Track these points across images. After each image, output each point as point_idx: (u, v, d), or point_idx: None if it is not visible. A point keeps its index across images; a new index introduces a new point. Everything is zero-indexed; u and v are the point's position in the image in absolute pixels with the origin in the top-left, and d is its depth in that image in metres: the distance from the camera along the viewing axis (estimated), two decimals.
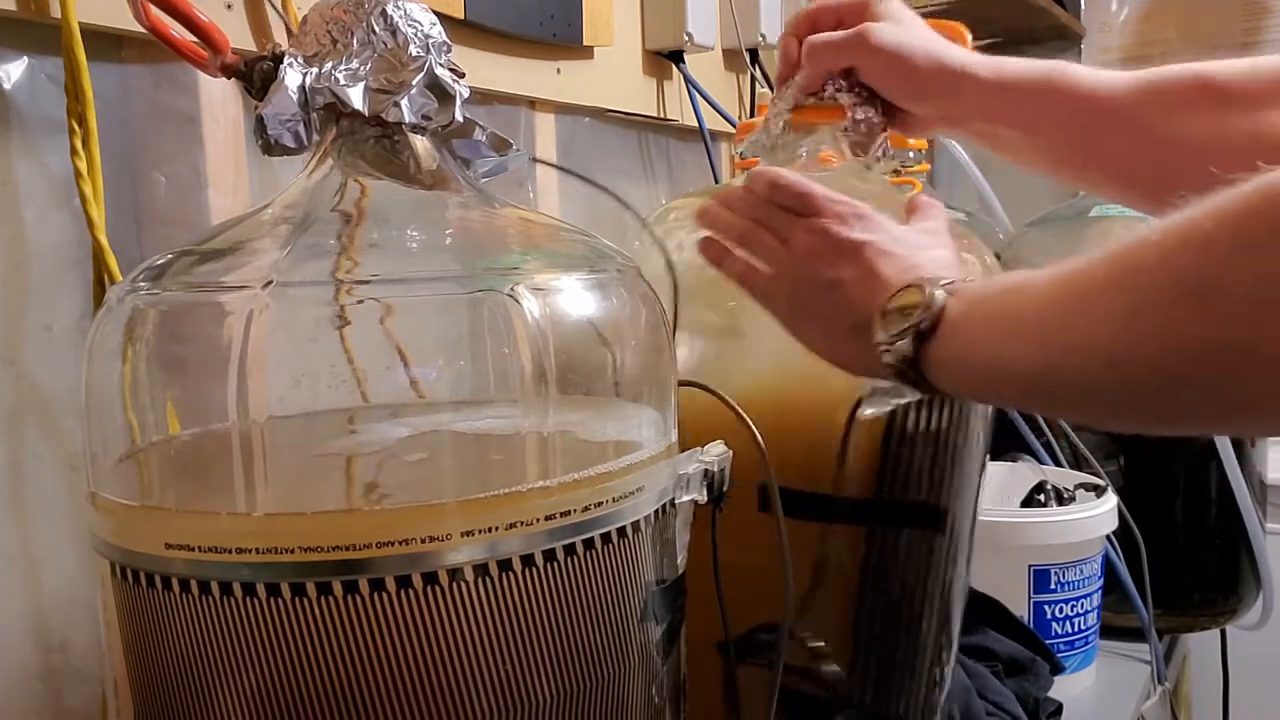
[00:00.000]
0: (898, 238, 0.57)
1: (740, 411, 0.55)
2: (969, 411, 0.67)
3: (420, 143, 0.49)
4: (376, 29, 0.48)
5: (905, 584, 0.67)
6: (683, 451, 0.51)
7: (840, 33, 0.64)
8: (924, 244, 0.57)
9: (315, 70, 0.48)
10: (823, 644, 0.64)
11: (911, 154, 1.16)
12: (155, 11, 0.54)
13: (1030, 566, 0.97)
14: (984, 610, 0.92)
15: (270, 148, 0.48)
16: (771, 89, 0.73)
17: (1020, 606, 0.97)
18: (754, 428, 0.55)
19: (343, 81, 0.48)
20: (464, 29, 0.86)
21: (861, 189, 0.65)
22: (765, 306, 0.60)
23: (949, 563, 0.70)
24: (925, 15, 0.66)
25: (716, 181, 1.23)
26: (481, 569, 0.41)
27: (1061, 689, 0.94)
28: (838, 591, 0.66)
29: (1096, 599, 1.02)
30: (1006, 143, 0.65)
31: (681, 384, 0.54)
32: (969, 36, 0.71)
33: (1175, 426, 0.45)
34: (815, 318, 0.58)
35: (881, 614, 0.67)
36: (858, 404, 0.62)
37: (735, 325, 0.66)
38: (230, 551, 0.40)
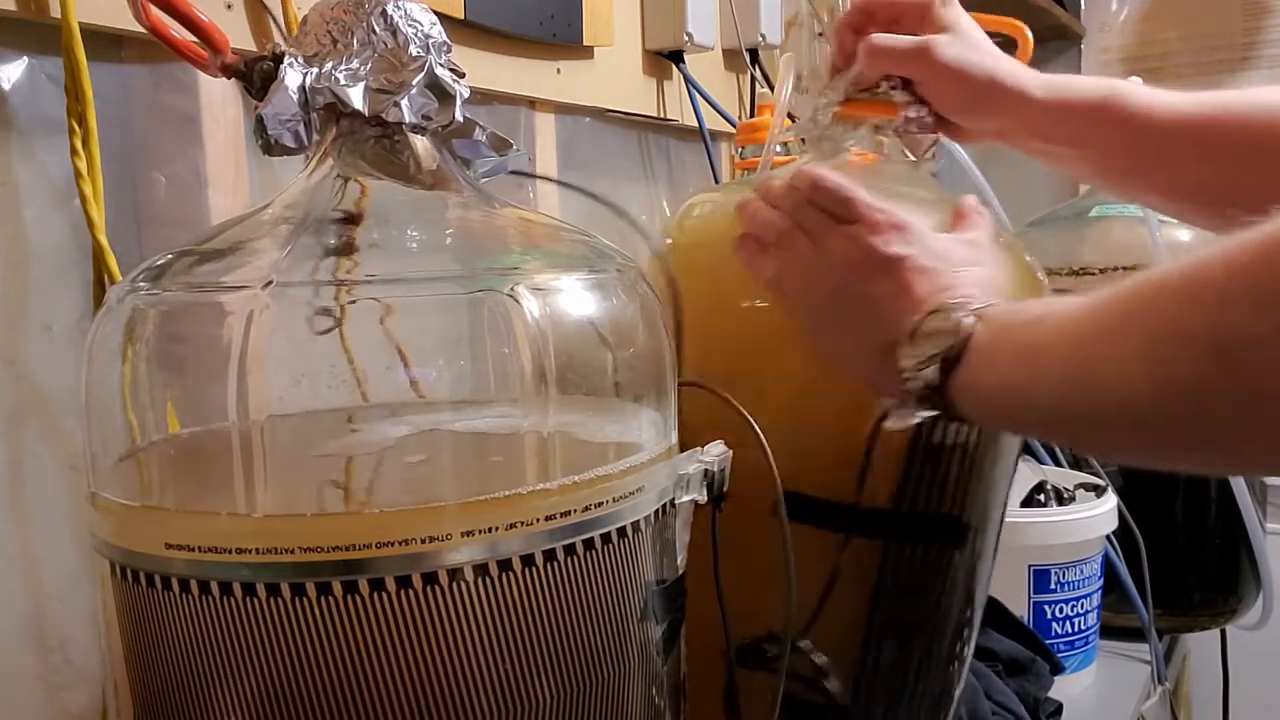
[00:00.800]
0: (937, 253, 0.55)
1: (744, 413, 0.55)
2: None
3: (420, 143, 0.49)
4: (376, 29, 0.48)
5: (921, 598, 0.66)
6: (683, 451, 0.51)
7: (903, 40, 0.63)
8: (964, 260, 0.56)
9: (315, 70, 0.48)
10: (825, 659, 0.63)
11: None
12: (155, 11, 0.54)
13: (1030, 566, 0.97)
14: (984, 610, 0.92)
15: (270, 148, 0.48)
16: (771, 90, 0.72)
17: (1020, 606, 0.97)
18: (758, 429, 0.54)
19: (343, 81, 0.48)
20: (464, 29, 0.86)
21: (907, 191, 0.64)
22: (792, 313, 0.59)
23: (969, 578, 0.68)
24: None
25: (716, 181, 1.23)
26: (481, 569, 0.41)
27: (1061, 689, 0.94)
28: (852, 603, 0.65)
29: (1096, 599, 1.02)
30: (1061, 159, 0.65)
31: (682, 384, 0.53)
32: (1028, 33, 0.70)
33: (1191, 467, 0.46)
34: (841, 331, 0.57)
35: (894, 627, 0.66)
36: (884, 414, 0.61)
37: (763, 324, 0.65)
38: (230, 551, 0.40)
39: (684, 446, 0.52)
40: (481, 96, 0.91)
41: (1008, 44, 0.68)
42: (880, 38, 0.63)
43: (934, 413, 0.53)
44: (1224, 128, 0.60)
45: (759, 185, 0.62)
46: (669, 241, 0.70)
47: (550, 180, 1.00)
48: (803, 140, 0.70)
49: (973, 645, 0.73)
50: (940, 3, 0.63)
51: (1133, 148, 0.62)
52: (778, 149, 0.76)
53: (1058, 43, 2.03)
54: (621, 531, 0.45)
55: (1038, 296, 0.63)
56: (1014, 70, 0.62)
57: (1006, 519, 0.95)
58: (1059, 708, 0.92)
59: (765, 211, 0.60)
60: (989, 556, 0.71)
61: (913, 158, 0.67)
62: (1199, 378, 0.40)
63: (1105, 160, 0.64)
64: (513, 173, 0.55)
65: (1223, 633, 1.34)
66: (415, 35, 0.49)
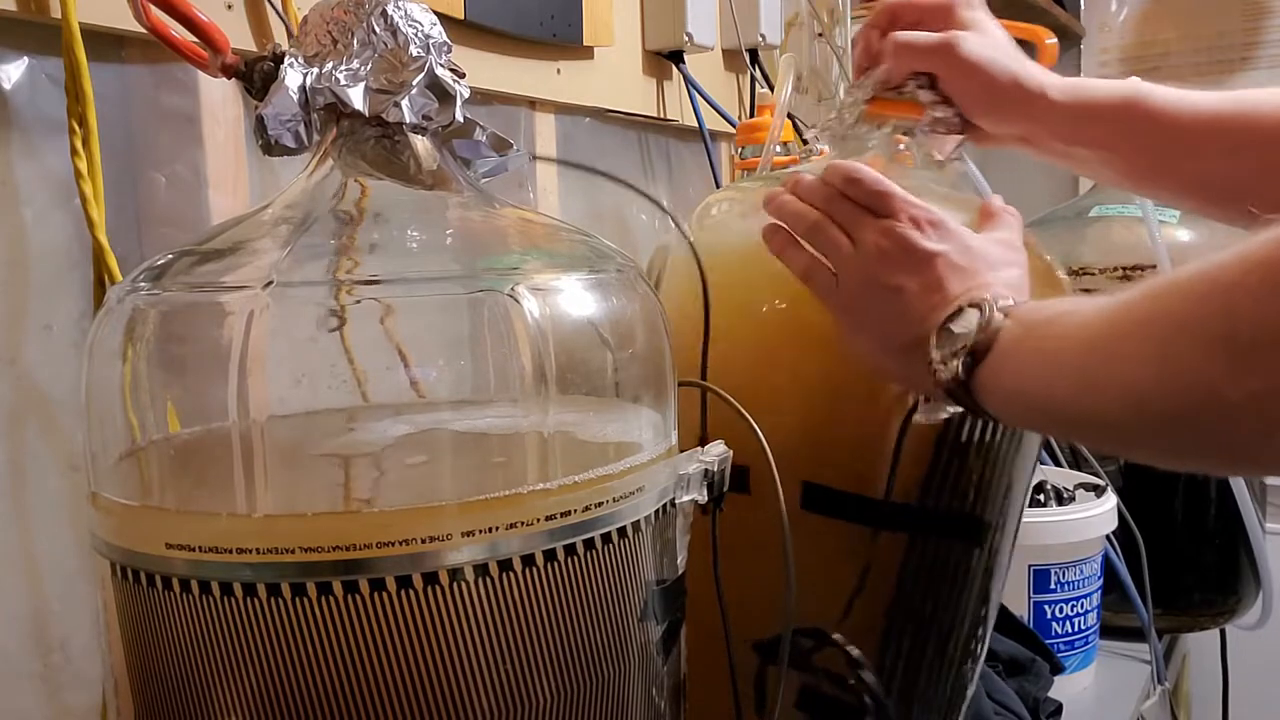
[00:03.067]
0: (971, 250, 0.56)
1: (742, 410, 0.55)
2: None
3: (420, 143, 0.49)
4: (377, 29, 0.48)
5: (940, 595, 0.66)
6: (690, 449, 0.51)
7: (928, 35, 0.63)
8: (996, 259, 0.56)
9: (315, 70, 0.48)
10: (858, 652, 0.63)
11: None
12: (155, 11, 0.54)
13: (1030, 566, 0.97)
14: None
15: (270, 148, 0.48)
16: (771, 90, 0.72)
17: (1020, 606, 0.97)
18: (756, 428, 0.54)
19: (343, 82, 0.48)
20: (464, 29, 0.86)
21: (934, 190, 0.64)
22: (824, 304, 0.59)
23: (986, 576, 0.68)
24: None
25: (716, 182, 1.23)
26: (481, 569, 0.41)
27: (1061, 689, 0.94)
28: (876, 599, 0.65)
29: (1096, 599, 1.02)
30: (1083, 162, 0.65)
31: (681, 384, 0.53)
32: (1051, 39, 0.70)
33: (1207, 469, 0.46)
34: (873, 324, 0.57)
35: (914, 623, 0.66)
36: (914, 408, 0.60)
37: (787, 323, 0.65)
38: (230, 551, 0.40)
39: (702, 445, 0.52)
40: (481, 96, 0.91)
41: (1029, 50, 0.68)
42: (905, 34, 0.63)
43: (960, 409, 0.54)
44: (1246, 123, 0.60)
45: (787, 179, 0.62)
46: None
47: (576, 166, 1.00)
48: (803, 141, 0.70)
49: (987, 644, 0.73)
50: (964, 4, 0.63)
51: (1156, 147, 0.62)
52: (777, 149, 0.76)
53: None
54: (621, 531, 0.45)
55: (1059, 295, 0.63)
56: (1035, 73, 0.62)
57: None
58: (1059, 708, 0.92)
59: (795, 204, 0.60)
60: (1006, 555, 0.71)
61: (939, 158, 0.67)
62: (1210, 375, 0.39)
63: (1129, 161, 0.64)
64: (547, 160, 0.55)
65: (1222, 633, 1.33)
66: (415, 35, 0.49)
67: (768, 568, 0.55)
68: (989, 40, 0.63)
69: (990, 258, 0.56)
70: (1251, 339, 0.38)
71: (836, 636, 0.63)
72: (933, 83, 0.64)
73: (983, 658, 0.73)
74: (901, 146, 0.67)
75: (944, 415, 0.58)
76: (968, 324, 0.52)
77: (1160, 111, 0.61)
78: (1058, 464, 1.11)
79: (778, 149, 0.87)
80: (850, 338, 0.59)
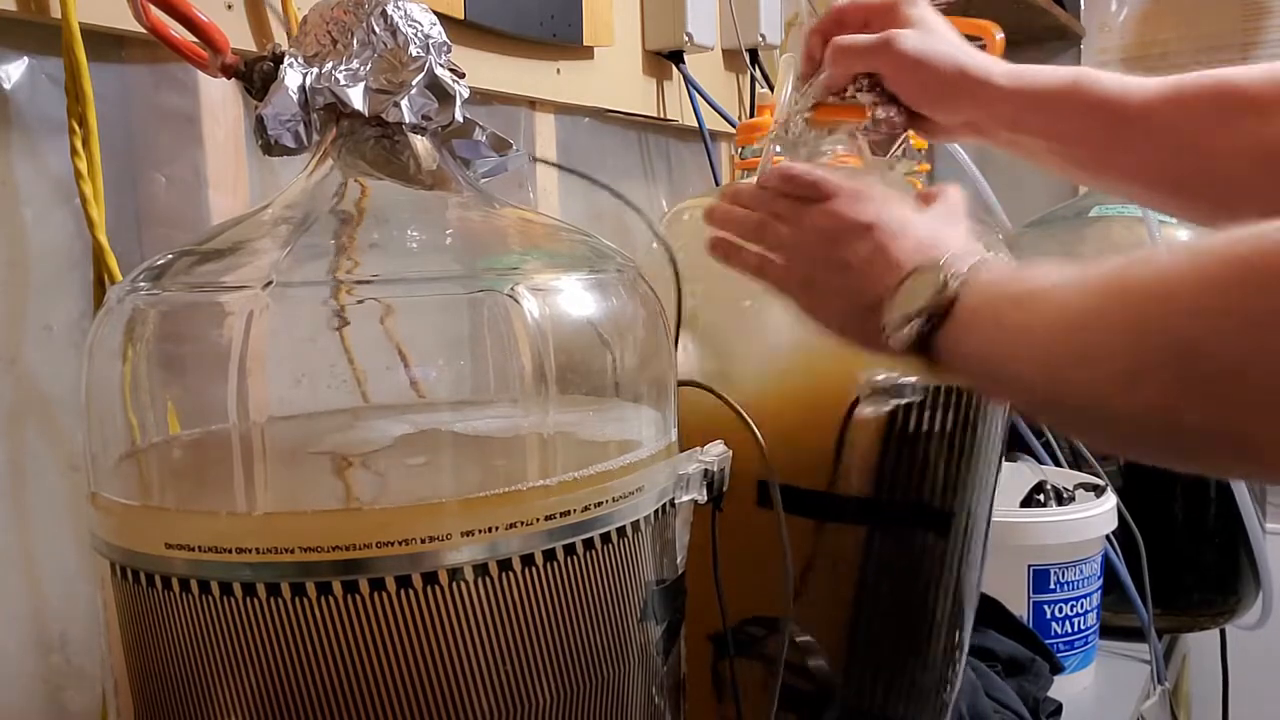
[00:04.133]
0: (909, 219, 0.57)
1: (739, 410, 0.55)
2: (978, 415, 0.67)
3: (420, 143, 0.49)
4: (376, 29, 0.48)
5: (908, 585, 0.67)
6: (684, 450, 0.51)
7: (866, 37, 0.63)
8: (938, 225, 0.57)
9: (315, 70, 0.48)
10: (810, 638, 0.64)
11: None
12: (155, 11, 0.54)
13: (1030, 566, 0.98)
14: (984, 610, 0.93)
15: (270, 148, 0.48)
16: (771, 90, 0.72)
17: (1020, 606, 0.97)
18: (753, 425, 0.55)
19: (343, 82, 0.48)
20: (464, 29, 0.86)
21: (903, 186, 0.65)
22: (781, 294, 0.60)
23: (958, 565, 0.69)
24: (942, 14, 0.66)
25: (716, 182, 1.23)
26: (481, 569, 0.41)
27: (1061, 689, 0.94)
28: (833, 589, 0.66)
29: (1096, 599, 1.02)
30: (1029, 149, 0.65)
31: (681, 384, 0.54)
32: (998, 34, 0.70)
33: (1167, 465, 0.47)
34: (829, 299, 0.59)
35: (881, 614, 0.67)
36: (855, 402, 0.62)
37: (742, 324, 0.66)
38: (230, 551, 0.40)
39: (683, 446, 0.52)
40: (481, 96, 0.91)
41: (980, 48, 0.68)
42: (844, 38, 0.64)
43: (916, 393, 0.55)
44: (1178, 104, 0.60)
45: (725, 192, 0.64)
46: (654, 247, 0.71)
47: (567, 169, 1.00)
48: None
49: (968, 636, 0.73)
50: (908, 2, 0.64)
51: (1099, 134, 0.62)
52: (777, 149, 0.76)
53: (1057, 43, 2.03)
54: (621, 531, 0.45)
55: None
56: (982, 61, 0.63)
57: (1006, 519, 0.96)
58: (1059, 708, 0.92)
59: (737, 211, 0.62)
60: (979, 544, 0.72)
61: (883, 158, 0.67)
62: (1167, 386, 0.41)
63: (1072, 147, 0.64)
64: (536, 160, 0.55)
65: (1222, 632, 1.34)
66: (415, 35, 0.49)
67: (727, 561, 0.55)
68: (930, 35, 0.63)
69: (929, 223, 0.57)
70: (1205, 359, 0.39)
71: (793, 630, 0.63)
72: (874, 85, 0.64)
73: (965, 650, 0.73)
74: (841, 149, 0.68)
75: (889, 407, 0.59)
76: (918, 289, 0.53)
77: (1102, 96, 0.61)
78: (1058, 464, 1.11)
79: (777, 149, 0.87)
80: (813, 318, 0.60)
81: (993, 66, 0.62)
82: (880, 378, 0.64)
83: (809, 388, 0.65)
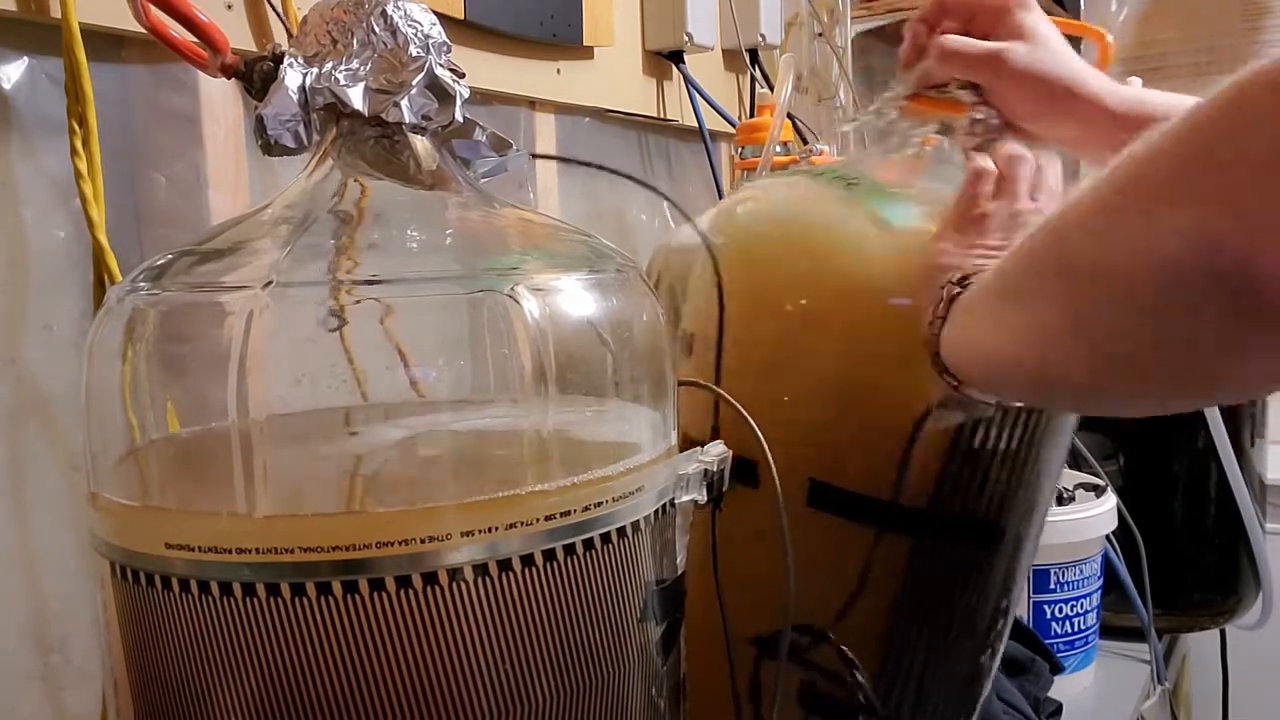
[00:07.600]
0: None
1: (740, 409, 0.55)
2: (1042, 434, 0.65)
3: (420, 143, 0.49)
4: (376, 29, 0.48)
5: (951, 599, 0.66)
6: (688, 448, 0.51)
7: (976, 44, 0.62)
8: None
9: (315, 70, 0.48)
10: (845, 649, 0.63)
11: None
12: (155, 11, 0.54)
13: (1030, 566, 0.97)
14: None
15: (270, 148, 0.48)
16: (771, 90, 0.72)
17: (1020, 606, 0.97)
18: (754, 424, 0.55)
19: (343, 82, 0.48)
20: (464, 29, 0.86)
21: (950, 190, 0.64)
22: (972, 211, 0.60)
23: (1005, 581, 0.68)
24: None
25: (716, 182, 1.23)
26: (481, 569, 0.41)
27: (1061, 689, 0.94)
28: (877, 599, 0.65)
29: (1096, 599, 1.02)
30: None
31: (681, 384, 0.54)
32: (1109, 39, 0.69)
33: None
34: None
35: (921, 626, 0.66)
36: (926, 413, 0.60)
37: (806, 322, 0.65)
38: (230, 552, 0.40)
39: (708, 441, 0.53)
40: (481, 96, 0.91)
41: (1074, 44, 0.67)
42: (953, 40, 0.62)
43: (986, 409, 0.55)
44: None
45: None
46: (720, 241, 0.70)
47: (583, 163, 1.00)
48: (803, 141, 0.70)
49: (999, 657, 0.72)
50: (1020, 6, 0.62)
51: None
52: (777, 149, 0.76)
53: None
54: (621, 531, 0.45)
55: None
56: (1090, 81, 0.61)
57: None
58: (1059, 708, 0.92)
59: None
60: (1026, 560, 0.70)
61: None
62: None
63: None
64: (551, 158, 0.55)
65: (1222, 633, 1.34)
66: (415, 35, 0.49)
67: (770, 562, 0.55)
68: (1041, 49, 0.61)
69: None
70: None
71: (839, 641, 0.63)
72: (977, 85, 0.63)
73: (998, 661, 0.73)
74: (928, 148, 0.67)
75: (958, 421, 0.58)
76: (941, 294, 0.54)
77: None
78: None
79: (778, 149, 0.87)
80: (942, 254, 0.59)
81: (1103, 87, 0.61)
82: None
83: (874, 394, 0.63)
